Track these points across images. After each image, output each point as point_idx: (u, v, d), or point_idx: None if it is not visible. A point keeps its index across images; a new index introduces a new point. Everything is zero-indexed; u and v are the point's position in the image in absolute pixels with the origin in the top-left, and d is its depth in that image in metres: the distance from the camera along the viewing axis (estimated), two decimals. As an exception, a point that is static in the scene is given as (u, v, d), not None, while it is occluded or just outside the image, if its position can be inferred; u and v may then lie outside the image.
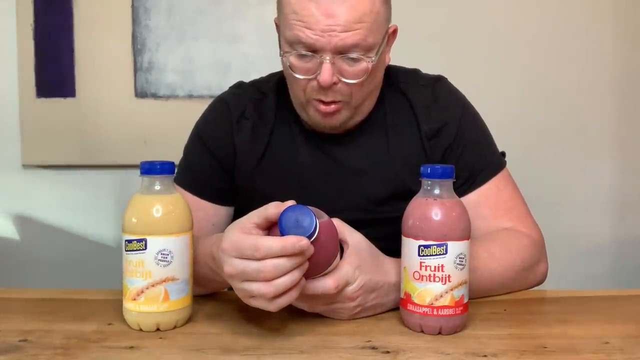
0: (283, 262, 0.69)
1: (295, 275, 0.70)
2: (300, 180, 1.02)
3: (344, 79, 0.91)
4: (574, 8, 1.84)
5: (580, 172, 1.88)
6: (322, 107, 0.94)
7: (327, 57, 0.88)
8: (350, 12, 0.86)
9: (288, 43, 0.91)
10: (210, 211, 1.04)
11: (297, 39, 0.89)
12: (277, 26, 0.97)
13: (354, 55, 0.89)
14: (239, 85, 1.11)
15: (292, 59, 0.91)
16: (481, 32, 1.83)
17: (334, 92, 0.92)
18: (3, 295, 0.94)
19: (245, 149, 1.04)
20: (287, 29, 0.90)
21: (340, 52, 0.88)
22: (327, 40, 0.87)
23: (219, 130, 1.06)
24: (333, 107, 0.93)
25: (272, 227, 0.73)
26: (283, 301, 0.71)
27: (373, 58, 0.90)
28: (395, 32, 0.98)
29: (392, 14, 0.95)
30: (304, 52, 0.90)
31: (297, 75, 0.92)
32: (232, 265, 0.72)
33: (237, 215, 1.05)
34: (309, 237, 0.70)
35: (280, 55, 0.94)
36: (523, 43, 1.84)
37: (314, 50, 0.89)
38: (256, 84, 1.10)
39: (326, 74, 0.88)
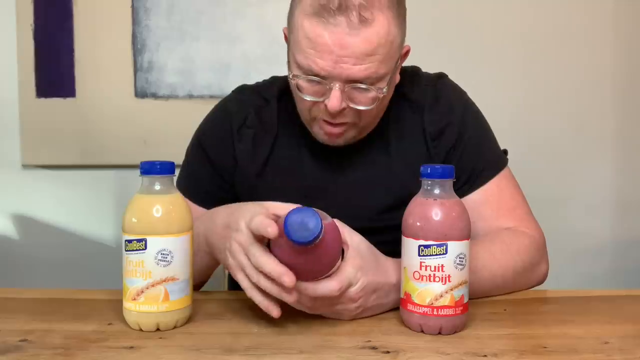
0: (270, 286, 0.74)
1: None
2: (303, 190, 1.02)
3: (352, 105, 0.90)
4: (574, 8, 1.83)
5: (580, 172, 1.88)
6: (329, 128, 0.94)
7: (337, 85, 0.87)
8: (364, 45, 0.85)
9: (297, 65, 0.90)
10: None
11: (308, 65, 0.88)
12: (286, 37, 0.96)
13: (364, 85, 0.88)
14: (241, 90, 1.11)
15: (301, 82, 0.91)
16: (481, 32, 1.83)
17: (342, 115, 0.91)
18: (3, 295, 0.94)
19: (246, 157, 1.04)
20: (298, 52, 0.89)
21: (351, 81, 0.88)
22: (338, 72, 0.86)
23: (219, 138, 1.05)
24: (339, 129, 0.93)
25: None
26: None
27: (384, 89, 0.90)
28: (407, 52, 0.97)
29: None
30: (313, 78, 0.89)
31: (305, 97, 0.91)
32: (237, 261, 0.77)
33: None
34: (315, 239, 0.69)
35: (289, 77, 0.93)
36: (523, 43, 1.84)
37: (324, 77, 0.88)
38: (258, 89, 1.10)
39: (335, 101, 0.88)
